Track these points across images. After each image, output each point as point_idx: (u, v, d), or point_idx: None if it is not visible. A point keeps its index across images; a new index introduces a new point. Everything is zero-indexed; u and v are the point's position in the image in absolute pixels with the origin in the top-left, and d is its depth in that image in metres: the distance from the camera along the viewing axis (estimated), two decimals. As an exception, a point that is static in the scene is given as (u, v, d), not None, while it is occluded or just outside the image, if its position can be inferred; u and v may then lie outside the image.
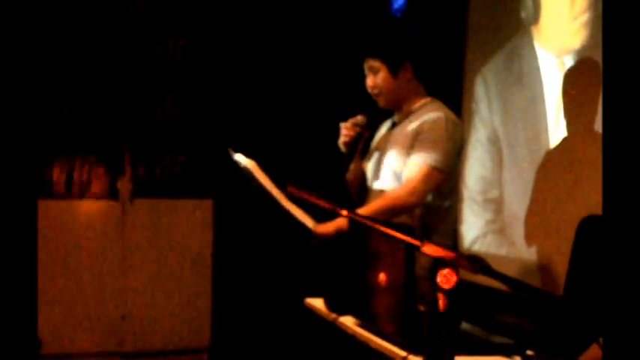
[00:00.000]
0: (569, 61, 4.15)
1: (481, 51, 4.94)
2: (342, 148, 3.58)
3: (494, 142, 4.71)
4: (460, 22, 5.10)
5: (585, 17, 4.04)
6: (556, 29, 4.32)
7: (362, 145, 3.59)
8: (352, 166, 3.64)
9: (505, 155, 4.62)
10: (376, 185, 3.52)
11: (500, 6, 4.80)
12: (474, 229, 4.87)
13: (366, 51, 3.50)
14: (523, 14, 4.56)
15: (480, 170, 4.82)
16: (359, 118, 3.53)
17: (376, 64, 3.45)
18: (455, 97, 4.82)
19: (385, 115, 3.65)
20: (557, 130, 4.18)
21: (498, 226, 4.67)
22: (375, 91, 3.49)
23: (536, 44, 4.43)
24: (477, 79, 4.94)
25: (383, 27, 5.03)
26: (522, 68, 4.52)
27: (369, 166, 3.59)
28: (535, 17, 4.47)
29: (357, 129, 3.53)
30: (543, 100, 4.30)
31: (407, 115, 3.50)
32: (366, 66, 3.50)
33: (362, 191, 3.63)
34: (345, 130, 3.54)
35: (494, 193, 4.70)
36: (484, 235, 4.80)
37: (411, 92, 3.50)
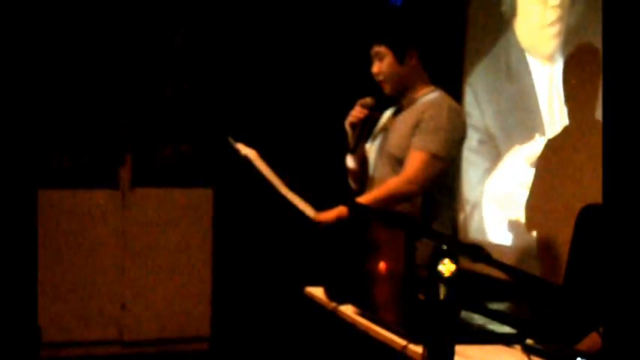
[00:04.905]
0: (552, 58, 4.19)
1: (476, 53, 4.99)
2: (348, 128, 3.56)
3: (487, 142, 4.74)
4: (460, 23, 5.12)
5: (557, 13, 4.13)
6: (531, 34, 4.40)
7: (367, 128, 3.57)
8: (355, 154, 3.62)
9: (502, 150, 4.64)
10: (377, 172, 3.52)
11: (489, 11, 4.83)
12: (474, 218, 4.87)
13: (372, 37, 3.49)
14: (504, 11, 4.63)
15: (476, 173, 4.84)
16: (368, 100, 3.52)
17: (382, 49, 3.44)
18: (455, 91, 4.82)
19: (390, 102, 3.64)
20: (551, 119, 4.19)
21: (498, 216, 4.67)
22: (380, 78, 3.48)
23: (520, 41, 4.48)
24: (465, 89, 4.97)
25: (391, 13, 5.02)
26: (511, 64, 4.57)
27: (371, 153, 3.59)
28: (513, 13, 4.55)
29: (365, 111, 3.52)
30: (535, 93, 4.32)
31: (410, 102, 3.49)
32: (372, 52, 3.49)
33: (363, 178, 3.63)
34: (354, 111, 3.53)
35: (494, 188, 4.71)
36: (484, 224, 4.80)
37: (415, 80, 3.48)
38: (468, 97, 4.95)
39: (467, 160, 4.77)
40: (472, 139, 4.73)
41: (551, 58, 4.18)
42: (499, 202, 4.67)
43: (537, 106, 4.29)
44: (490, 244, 4.54)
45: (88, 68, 5.62)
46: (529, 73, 4.38)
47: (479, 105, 4.85)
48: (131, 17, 5.68)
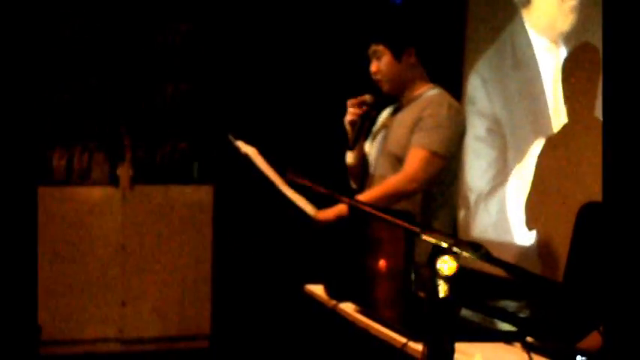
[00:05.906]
0: (561, 42, 4.15)
1: (477, 46, 4.95)
2: (347, 127, 3.55)
3: (496, 131, 4.71)
4: (460, 17, 5.09)
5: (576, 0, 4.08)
6: (547, 12, 4.33)
7: (366, 126, 3.56)
8: (354, 151, 3.62)
9: (509, 140, 4.62)
10: (377, 170, 3.52)
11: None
12: (477, 216, 4.87)
13: (370, 36, 3.48)
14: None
15: (482, 164, 4.82)
16: (366, 97, 3.51)
17: (380, 48, 3.44)
18: (455, 88, 4.81)
19: (389, 100, 3.64)
20: (557, 109, 4.18)
21: (501, 212, 4.67)
22: (378, 77, 3.47)
23: (529, 27, 4.43)
24: (472, 76, 4.95)
25: (387, 12, 5.01)
26: (516, 52, 4.53)
27: (371, 151, 3.59)
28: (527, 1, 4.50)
29: (364, 108, 3.51)
30: (541, 81, 4.30)
31: (409, 100, 3.49)
32: (369, 51, 3.48)
33: (363, 176, 3.62)
34: (352, 109, 3.52)
35: (499, 181, 4.70)
36: (486, 219, 4.80)
37: (414, 78, 3.48)
38: (476, 85, 4.89)
39: (473, 150, 4.75)
40: (480, 127, 4.71)
41: (564, 39, 4.13)
42: (499, 199, 4.67)
43: (544, 95, 4.27)
44: (490, 241, 4.54)
45: (88, 67, 5.63)
46: (535, 61, 4.35)
47: (487, 92, 4.81)
48: (131, 17, 5.68)
